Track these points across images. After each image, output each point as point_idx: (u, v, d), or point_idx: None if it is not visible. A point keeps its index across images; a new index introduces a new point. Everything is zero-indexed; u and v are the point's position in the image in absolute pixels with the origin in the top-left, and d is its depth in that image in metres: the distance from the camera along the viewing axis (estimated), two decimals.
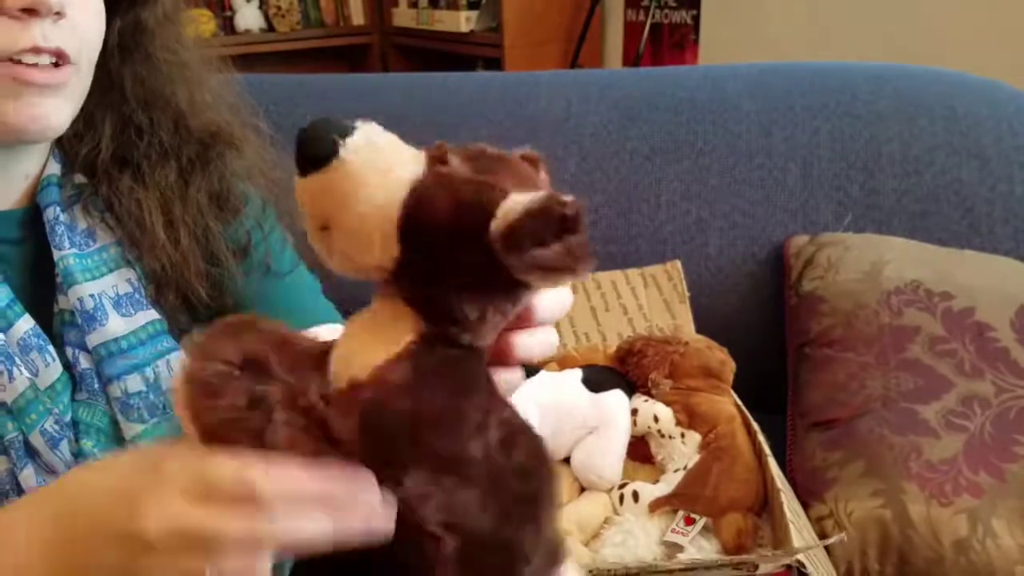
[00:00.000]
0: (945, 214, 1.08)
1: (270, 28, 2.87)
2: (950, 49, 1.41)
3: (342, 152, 0.29)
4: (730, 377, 0.87)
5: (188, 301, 0.59)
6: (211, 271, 0.60)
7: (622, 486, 0.80)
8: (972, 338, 0.92)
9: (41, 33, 0.48)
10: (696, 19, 2.04)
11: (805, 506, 0.84)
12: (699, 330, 0.96)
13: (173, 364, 0.59)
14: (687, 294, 1.02)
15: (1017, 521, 0.79)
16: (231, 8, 2.82)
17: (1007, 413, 0.86)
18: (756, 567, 0.59)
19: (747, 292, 1.08)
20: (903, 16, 1.48)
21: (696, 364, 0.86)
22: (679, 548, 0.71)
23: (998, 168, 1.10)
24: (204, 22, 2.73)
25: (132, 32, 0.57)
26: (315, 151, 0.29)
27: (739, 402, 0.85)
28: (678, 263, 1.03)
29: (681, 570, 0.61)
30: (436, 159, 0.30)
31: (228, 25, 2.82)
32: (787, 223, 1.07)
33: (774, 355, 1.03)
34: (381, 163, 0.29)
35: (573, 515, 0.79)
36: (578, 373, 0.85)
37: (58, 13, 0.48)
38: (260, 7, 2.85)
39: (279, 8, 2.87)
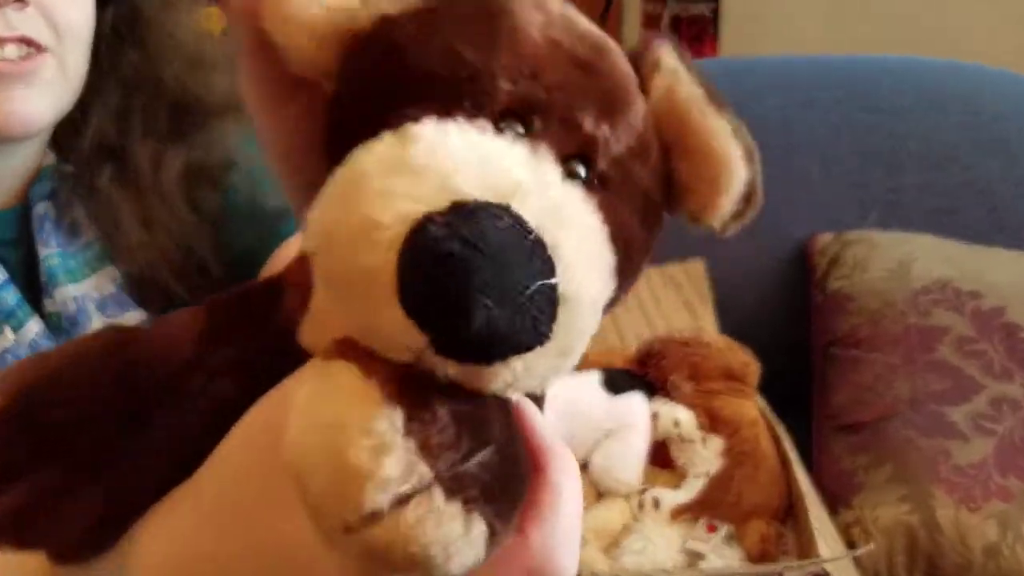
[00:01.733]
0: (969, 210, 1.08)
1: None
2: (970, 41, 1.41)
3: None
4: (754, 380, 0.87)
5: (171, 301, 0.57)
6: (192, 266, 0.58)
7: (642, 492, 0.80)
8: (1002, 338, 0.93)
9: (4, 22, 0.46)
10: (715, 11, 2.03)
11: (831, 512, 0.84)
12: (722, 331, 0.96)
13: None
14: (709, 294, 1.02)
15: None
16: None
17: None
18: None
19: (771, 291, 1.08)
20: (923, 7, 1.47)
21: (718, 366, 0.86)
22: (701, 556, 0.71)
23: (1019, 164, 1.10)
24: (214, 19, 2.76)
25: (128, 19, 0.56)
26: None
27: (763, 405, 0.85)
28: (700, 262, 1.03)
29: None
30: None
31: None
32: (810, 220, 1.07)
33: (799, 356, 1.03)
34: None
35: (591, 521, 0.79)
36: (596, 375, 0.84)
37: (20, 0, 0.47)
38: None
39: None
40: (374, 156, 0.20)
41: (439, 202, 0.19)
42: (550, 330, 0.19)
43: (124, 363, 0.25)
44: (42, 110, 0.50)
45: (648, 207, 0.24)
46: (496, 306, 0.18)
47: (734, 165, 0.24)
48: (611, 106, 0.23)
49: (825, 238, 1.05)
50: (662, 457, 0.85)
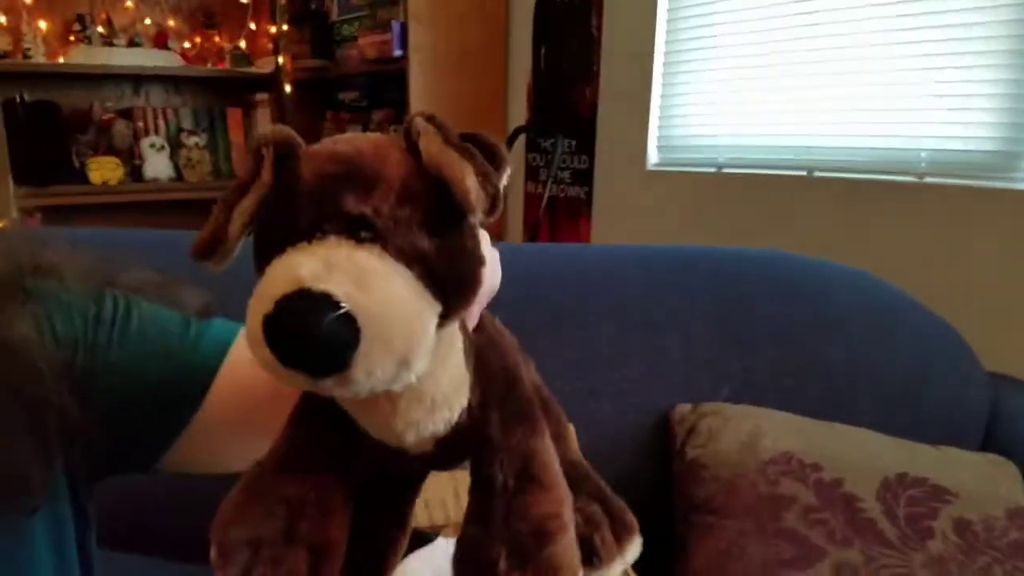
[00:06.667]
0: (812, 388, 1.13)
1: (179, 177, 2.88)
2: (818, 237, 1.55)
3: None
4: None
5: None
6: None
7: None
8: (842, 508, 0.94)
9: None
10: (589, 194, 2.17)
11: None
12: None
13: None
14: (581, 460, 1.03)
15: None
16: (140, 157, 2.83)
17: None
18: None
19: (638, 457, 1.09)
20: (785, 205, 1.62)
21: None
22: None
23: (861, 347, 1.17)
24: (111, 169, 2.73)
25: None
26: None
27: (630, 569, 0.83)
28: (571, 427, 1.04)
29: None
30: None
31: (136, 172, 2.82)
32: (670, 392, 1.10)
33: (665, 519, 1.03)
34: None
35: None
36: None
37: None
38: (171, 157, 2.87)
39: (189, 159, 2.90)
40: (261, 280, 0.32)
41: (277, 293, 0.30)
42: (348, 356, 0.30)
43: None
44: None
45: (430, 224, 0.33)
46: (305, 346, 0.30)
47: (464, 178, 0.32)
48: (365, 187, 0.32)
49: (684, 409, 1.08)
50: None
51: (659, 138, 1.93)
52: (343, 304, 0.29)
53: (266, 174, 0.35)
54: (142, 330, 0.57)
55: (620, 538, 0.43)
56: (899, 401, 1.15)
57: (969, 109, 1.33)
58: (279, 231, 0.33)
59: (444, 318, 0.34)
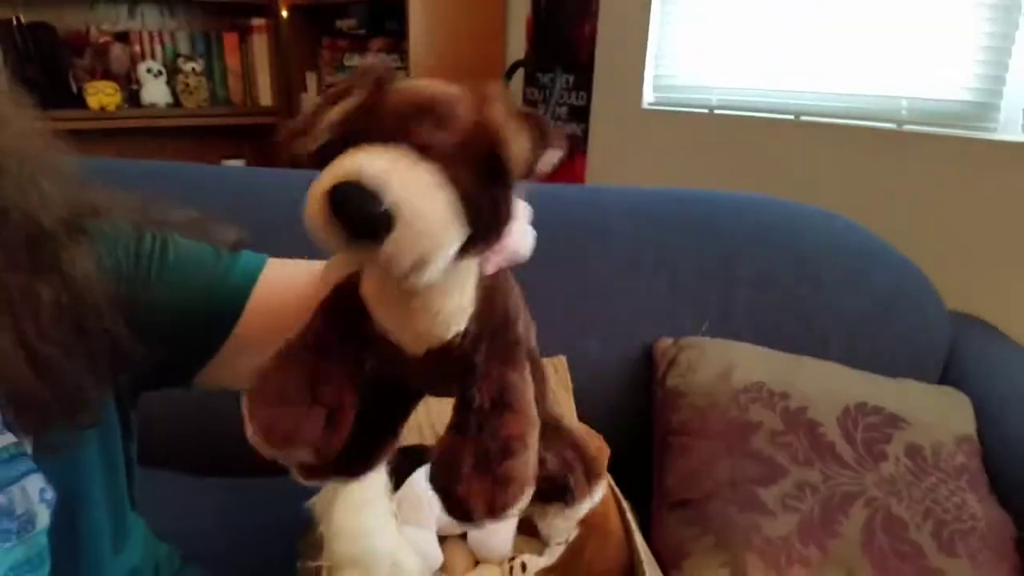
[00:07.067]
0: (786, 326, 1.19)
1: (177, 103, 2.87)
2: (806, 182, 1.60)
3: None
4: (605, 462, 0.90)
5: (47, 421, 0.55)
6: (84, 382, 0.55)
7: (512, 559, 0.85)
8: (805, 433, 1.02)
9: None
10: (585, 131, 2.18)
11: (666, 574, 0.91)
12: (580, 419, 1.01)
13: (28, 488, 0.56)
14: (571, 386, 1.09)
15: None
16: (138, 82, 2.82)
17: (832, 497, 0.96)
18: None
19: (622, 387, 1.15)
20: (773, 147, 1.67)
21: None
22: None
23: (831, 287, 1.23)
24: (109, 94, 2.73)
25: None
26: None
27: (612, 483, 0.92)
28: (563, 358, 1.11)
29: None
30: None
31: (134, 98, 2.82)
32: (655, 327, 1.16)
33: (643, 443, 1.10)
34: None
35: None
36: None
37: None
38: (168, 83, 2.86)
39: (187, 85, 2.89)
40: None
41: (340, 174, 0.36)
42: (381, 237, 0.36)
43: None
44: None
45: (477, 171, 0.39)
46: (353, 217, 0.36)
47: (516, 147, 0.38)
48: (436, 124, 0.39)
49: (666, 342, 1.14)
50: (529, 528, 0.91)
51: (655, 77, 1.96)
52: (388, 197, 0.35)
53: (361, 93, 0.41)
54: (178, 262, 0.63)
55: (591, 480, 0.51)
56: (864, 337, 1.22)
57: (948, 61, 1.39)
58: (357, 135, 0.39)
59: (466, 251, 0.40)
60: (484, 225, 0.40)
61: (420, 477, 0.89)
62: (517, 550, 0.88)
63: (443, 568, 0.87)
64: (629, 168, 2.04)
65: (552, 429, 0.50)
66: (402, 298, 0.42)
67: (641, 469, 1.06)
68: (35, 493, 0.56)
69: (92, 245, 0.58)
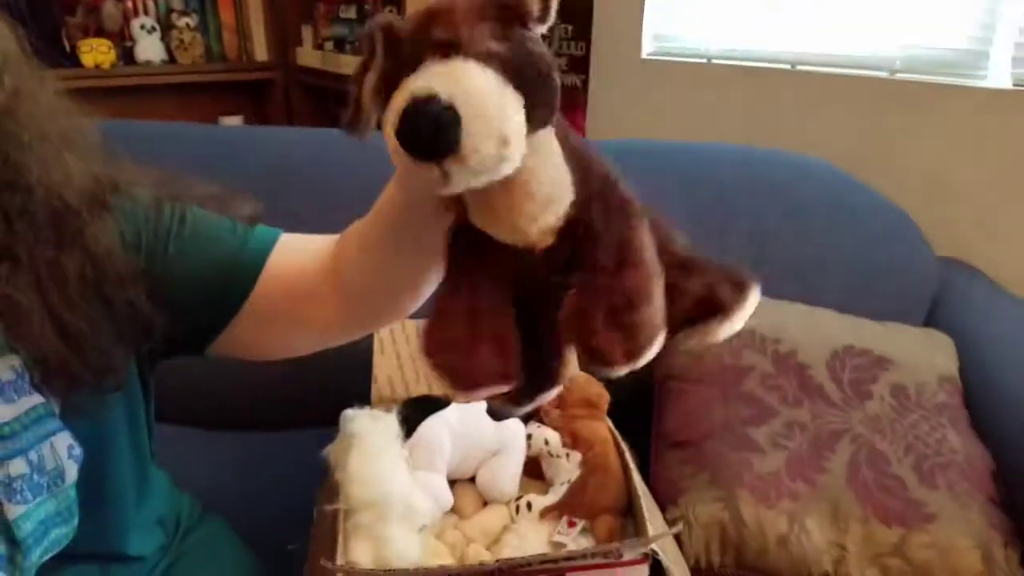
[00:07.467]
0: (780, 275, 1.23)
1: (171, 60, 2.85)
2: (804, 132, 1.59)
3: None
4: (605, 407, 0.96)
5: (74, 385, 0.57)
6: (105, 350, 0.57)
7: (518, 499, 0.89)
8: (795, 375, 1.06)
9: None
10: (585, 83, 2.15)
11: (662, 510, 0.95)
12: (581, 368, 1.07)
13: (57, 446, 0.58)
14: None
15: (824, 520, 0.94)
16: (131, 38, 2.80)
17: (819, 435, 1.01)
18: (621, 555, 0.69)
19: None
20: (770, 95, 1.65)
21: (579, 396, 0.95)
22: (563, 546, 0.82)
23: (822, 234, 1.26)
24: (103, 52, 2.71)
25: None
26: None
27: (612, 427, 0.95)
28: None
29: (563, 559, 0.70)
30: None
31: (128, 55, 2.79)
32: None
33: (642, 388, 1.13)
34: None
35: (478, 525, 0.88)
36: (483, 405, 0.93)
37: None
38: (162, 39, 2.83)
39: (181, 41, 2.86)
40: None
41: (398, 108, 0.39)
42: (456, 134, 0.37)
43: None
44: None
45: (499, 33, 0.41)
46: (423, 132, 0.38)
47: None
48: (444, 20, 0.41)
49: None
50: (535, 470, 0.95)
51: (653, 27, 1.96)
52: (442, 96, 0.37)
53: (380, 50, 0.43)
54: (195, 235, 0.65)
55: (741, 291, 0.52)
56: (854, 282, 1.26)
57: (940, 10, 1.40)
58: (397, 76, 0.41)
59: (531, 119, 0.41)
60: (531, 83, 0.41)
61: (431, 424, 0.93)
62: (523, 491, 0.91)
63: (454, 509, 0.91)
64: (628, 119, 2.04)
65: (688, 262, 0.51)
66: (504, 196, 0.43)
67: (640, 413, 1.09)
68: (63, 450, 0.59)
69: (114, 220, 0.60)
